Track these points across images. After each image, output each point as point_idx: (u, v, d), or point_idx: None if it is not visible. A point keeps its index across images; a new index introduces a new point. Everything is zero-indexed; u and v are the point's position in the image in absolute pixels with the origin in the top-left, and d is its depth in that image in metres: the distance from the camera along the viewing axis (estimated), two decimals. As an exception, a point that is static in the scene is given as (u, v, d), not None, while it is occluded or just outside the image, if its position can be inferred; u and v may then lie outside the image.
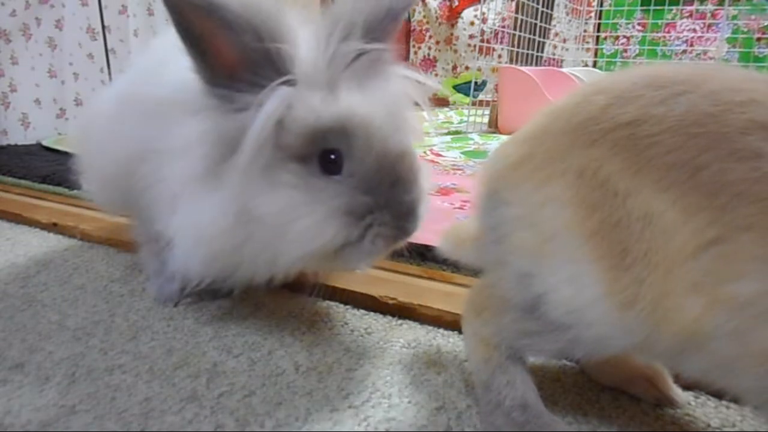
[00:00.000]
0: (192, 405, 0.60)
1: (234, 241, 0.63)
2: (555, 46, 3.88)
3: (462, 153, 2.17)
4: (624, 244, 0.45)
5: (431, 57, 4.89)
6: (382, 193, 0.62)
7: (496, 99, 3.15)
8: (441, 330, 0.78)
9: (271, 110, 0.59)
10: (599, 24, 4.05)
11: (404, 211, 0.63)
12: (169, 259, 0.69)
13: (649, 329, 0.44)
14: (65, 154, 1.90)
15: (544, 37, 3.41)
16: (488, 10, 4.24)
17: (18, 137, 2.27)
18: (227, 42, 0.59)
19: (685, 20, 3.82)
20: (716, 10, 3.68)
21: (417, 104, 0.71)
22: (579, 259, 0.47)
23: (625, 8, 3.90)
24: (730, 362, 0.42)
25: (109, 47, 2.52)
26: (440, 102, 4.35)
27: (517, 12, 3.20)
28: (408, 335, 0.76)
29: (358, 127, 0.61)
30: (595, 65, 4.05)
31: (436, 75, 4.83)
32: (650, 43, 3.84)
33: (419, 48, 4.87)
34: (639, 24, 3.98)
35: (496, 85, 3.26)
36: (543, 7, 3.31)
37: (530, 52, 3.27)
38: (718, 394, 0.61)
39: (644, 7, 3.88)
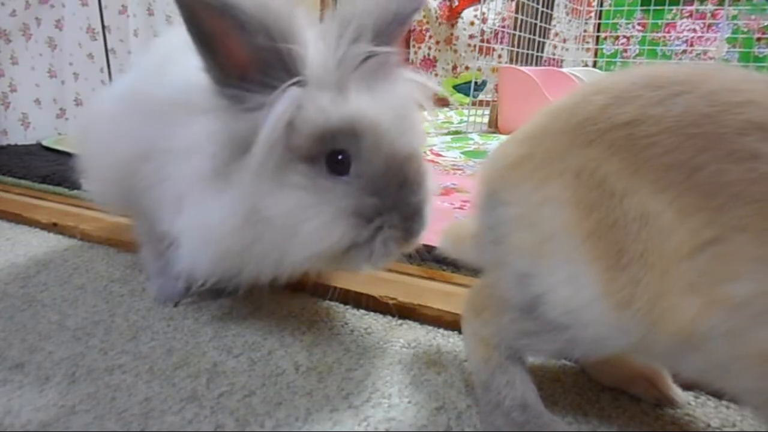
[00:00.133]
0: (192, 405, 0.60)
1: (243, 242, 0.63)
2: (555, 46, 3.88)
3: (462, 153, 2.17)
4: (620, 245, 0.45)
5: (431, 57, 4.89)
6: (389, 195, 0.62)
7: (496, 99, 3.16)
8: (441, 330, 0.78)
9: (282, 111, 0.59)
10: (599, 24, 4.06)
11: (412, 212, 0.63)
12: (174, 259, 0.68)
13: (645, 329, 0.45)
14: (65, 154, 1.90)
15: (544, 37, 3.41)
16: (488, 10, 4.24)
17: (18, 137, 2.26)
18: (239, 42, 0.59)
19: (685, 20, 3.82)
20: (716, 10, 3.68)
21: (422, 107, 0.71)
22: (576, 260, 0.47)
23: (625, 8, 3.91)
24: (727, 363, 0.42)
25: (109, 47, 2.51)
26: (440, 102, 4.35)
27: (517, 12, 3.20)
28: (408, 335, 0.76)
29: (366, 128, 0.61)
30: (595, 65, 4.05)
31: (436, 75, 4.83)
32: (650, 43, 3.84)
33: (419, 48, 4.87)
34: (639, 24, 3.98)
35: (496, 85, 3.26)
36: (543, 7, 3.31)
37: (530, 52, 3.27)
38: (718, 394, 0.62)
39: (644, 7, 3.88)
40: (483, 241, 0.58)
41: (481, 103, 3.30)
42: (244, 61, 0.60)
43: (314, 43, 0.63)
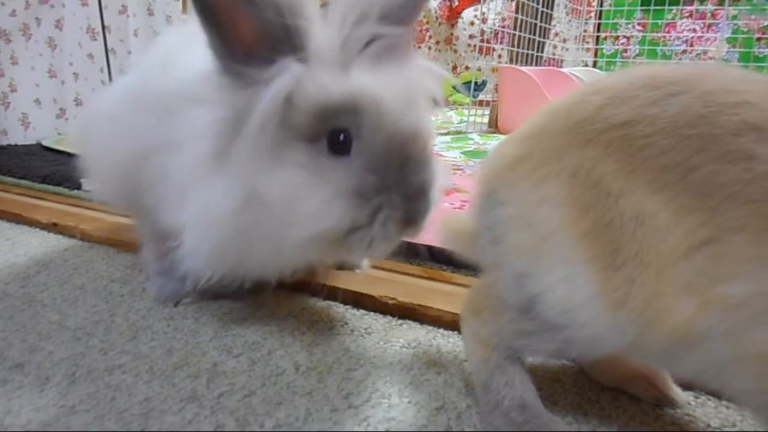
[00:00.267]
0: (192, 405, 0.60)
1: (241, 226, 0.62)
2: (555, 46, 3.88)
3: (462, 153, 2.17)
4: (616, 245, 0.45)
5: (431, 57, 4.89)
6: (390, 174, 0.60)
7: (496, 99, 3.16)
8: (441, 330, 0.78)
9: (280, 85, 0.58)
10: (599, 24, 4.05)
11: (414, 192, 0.61)
12: (177, 258, 0.68)
13: (640, 329, 0.45)
14: (65, 154, 1.90)
15: (544, 37, 3.41)
16: (488, 10, 4.25)
17: (18, 137, 2.27)
18: (247, 15, 0.58)
19: (685, 20, 3.82)
20: (716, 10, 3.68)
21: (431, 95, 0.69)
22: (572, 260, 0.47)
23: (625, 8, 3.91)
24: (724, 363, 0.42)
25: (109, 47, 2.51)
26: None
27: (517, 12, 3.20)
28: (408, 335, 0.76)
29: (368, 105, 0.59)
30: (595, 65, 4.05)
31: (436, 75, 4.83)
32: (650, 43, 3.84)
33: (419, 48, 4.88)
34: (639, 24, 3.98)
35: (496, 85, 3.26)
36: (543, 7, 3.31)
37: (530, 52, 3.27)
38: (718, 394, 0.62)
39: (644, 7, 3.88)
40: (481, 242, 0.58)
41: (481, 103, 3.30)
42: (250, 36, 0.59)
43: (321, 22, 0.62)
